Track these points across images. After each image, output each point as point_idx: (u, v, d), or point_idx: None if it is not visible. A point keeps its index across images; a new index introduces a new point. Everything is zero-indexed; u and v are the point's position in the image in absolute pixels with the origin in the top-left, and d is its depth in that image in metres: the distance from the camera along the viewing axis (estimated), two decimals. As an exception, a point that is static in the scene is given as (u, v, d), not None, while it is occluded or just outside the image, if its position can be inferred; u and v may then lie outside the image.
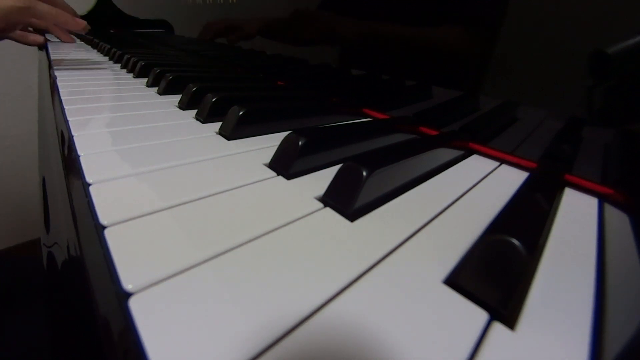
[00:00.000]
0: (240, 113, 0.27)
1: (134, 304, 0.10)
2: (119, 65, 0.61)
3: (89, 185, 0.17)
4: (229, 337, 0.10)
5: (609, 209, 0.21)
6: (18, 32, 0.48)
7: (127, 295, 0.11)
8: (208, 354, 0.09)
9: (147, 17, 1.03)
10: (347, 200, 0.17)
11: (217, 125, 0.29)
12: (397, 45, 0.34)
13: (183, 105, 0.35)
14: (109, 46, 0.73)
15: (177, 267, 0.12)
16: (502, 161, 0.27)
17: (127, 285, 0.11)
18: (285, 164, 0.21)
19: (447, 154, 0.25)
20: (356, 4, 0.38)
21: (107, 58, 0.70)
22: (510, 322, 0.11)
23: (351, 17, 0.39)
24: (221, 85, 0.40)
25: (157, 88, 0.42)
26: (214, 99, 0.31)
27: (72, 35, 0.57)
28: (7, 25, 0.42)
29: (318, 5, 0.42)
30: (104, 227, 0.14)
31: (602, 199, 0.22)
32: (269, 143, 0.26)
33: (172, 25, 0.87)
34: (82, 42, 0.98)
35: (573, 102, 0.23)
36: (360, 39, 0.37)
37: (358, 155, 0.22)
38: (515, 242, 0.12)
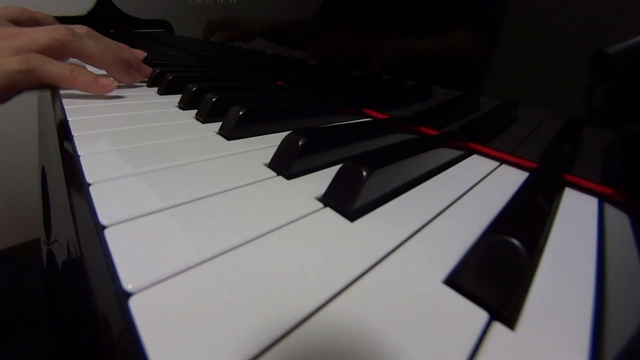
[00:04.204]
0: (240, 113, 0.27)
1: (134, 304, 0.10)
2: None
3: (89, 185, 0.17)
4: (229, 337, 0.10)
5: (609, 209, 0.21)
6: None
7: (127, 295, 0.11)
8: (209, 354, 0.09)
9: (147, 17, 1.03)
10: (347, 200, 0.17)
11: (217, 125, 0.29)
12: (399, 47, 0.34)
13: (183, 105, 0.35)
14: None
15: (177, 267, 0.12)
16: (502, 161, 0.27)
17: (127, 285, 0.11)
18: (285, 164, 0.21)
19: (447, 154, 0.25)
20: (356, 6, 0.38)
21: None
22: (510, 322, 0.11)
23: (352, 19, 0.39)
24: (221, 85, 0.40)
25: (157, 88, 0.42)
26: (214, 99, 0.31)
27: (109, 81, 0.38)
28: (8, 92, 0.33)
29: (318, 8, 0.42)
30: (104, 227, 0.14)
31: (602, 199, 0.22)
32: (269, 143, 0.26)
33: (172, 25, 0.87)
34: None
35: (573, 102, 0.23)
36: (367, 47, 0.37)
37: (358, 155, 0.22)
38: (515, 242, 0.12)
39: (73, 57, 0.38)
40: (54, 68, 0.33)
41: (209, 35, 0.68)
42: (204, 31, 0.70)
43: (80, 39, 0.38)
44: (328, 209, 0.17)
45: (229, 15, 0.60)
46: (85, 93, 0.38)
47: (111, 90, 0.37)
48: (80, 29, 0.39)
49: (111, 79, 0.37)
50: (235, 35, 0.61)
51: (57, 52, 0.35)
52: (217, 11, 0.64)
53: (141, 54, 0.47)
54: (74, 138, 0.24)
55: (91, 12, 1.18)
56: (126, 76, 0.42)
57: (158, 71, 0.45)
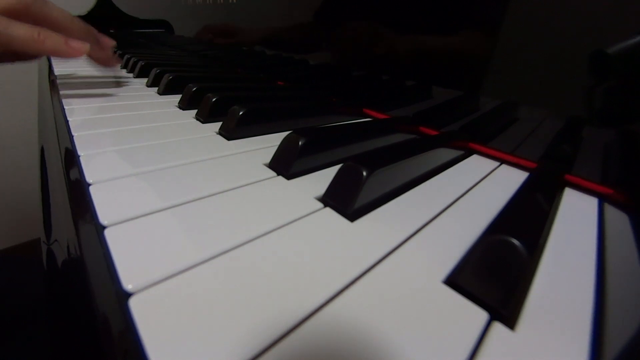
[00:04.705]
0: (240, 113, 0.27)
1: (134, 304, 0.10)
2: (119, 65, 0.61)
3: (89, 185, 0.17)
4: (229, 337, 0.10)
5: (609, 209, 0.21)
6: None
7: (127, 295, 0.11)
8: (209, 354, 0.09)
9: (147, 17, 1.03)
10: (347, 200, 0.17)
11: (217, 125, 0.29)
12: (399, 47, 0.34)
13: (183, 105, 0.35)
14: (109, 46, 0.73)
15: (177, 267, 0.12)
16: (502, 161, 0.27)
17: (127, 285, 0.11)
18: (286, 164, 0.21)
19: (447, 154, 0.25)
20: (356, 6, 0.38)
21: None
22: (510, 322, 0.11)
23: (351, 20, 0.39)
24: (221, 85, 0.40)
25: (157, 88, 0.42)
26: (214, 99, 0.31)
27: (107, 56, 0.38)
28: None
29: (318, 8, 0.42)
30: (104, 227, 0.14)
31: (602, 199, 0.22)
32: (269, 143, 0.26)
33: (172, 25, 0.87)
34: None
35: (573, 102, 0.23)
36: (368, 45, 0.37)
37: (358, 155, 0.22)
38: (516, 242, 0.12)
39: (36, 23, 0.33)
40: (19, 30, 0.30)
41: (204, 38, 0.68)
42: (198, 33, 0.70)
43: (43, 2, 0.34)
44: (328, 209, 0.17)
45: (227, 22, 0.60)
46: (85, 91, 0.38)
47: (83, 54, 0.34)
48: None
49: (83, 42, 0.34)
50: (232, 41, 0.60)
51: (18, 15, 0.32)
52: (217, 11, 0.63)
53: (110, 41, 0.43)
54: (74, 138, 0.24)
55: (91, 12, 1.18)
56: (98, 49, 0.38)
57: (158, 71, 0.45)
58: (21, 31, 0.30)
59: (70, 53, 0.33)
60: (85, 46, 0.34)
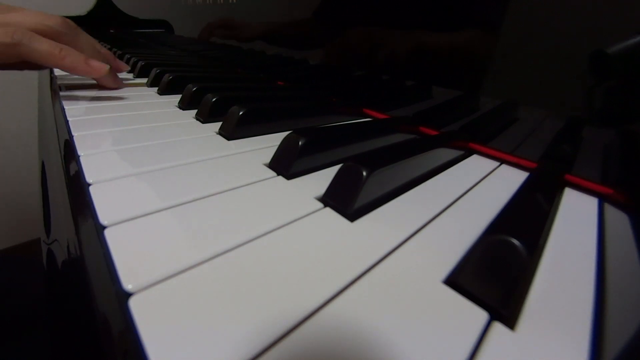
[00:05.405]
0: (240, 113, 0.27)
1: (134, 304, 0.10)
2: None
3: (89, 185, 0.17)
4: (230, 337, 0.10)
5: (609, 209, 0.21)
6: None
7: (127, 295, 0.11)
8: (209, 354, 0.09)
9: (147, 17, 1.03)
10: (347, 200, 0.17)
11: (217, 125, 0.29)
12: (399, 47, 0.34)
13: (183, 105, 0.35)
14: (109, 46, 0.73)
15: (177, 267, 0.12)
16: (502, 161, 0.27)
17: (127, 285, 0.11)
18: (285, 164, 0.21)
19: (447, 154, 0.25)
20: (355, 5, 0.38)
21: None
22: (510, 322, 0.11)
23: (350, 19, 0.39)
24: (221, 85, 0.40)
25: (157, 88, 0.42)
26: (213, 99, 0.31)
27: (113, 78, 0.40)
28: None
29: (316, 8, 0.42)
30: (104, 227, 0.14)
31: (602, 199, 0.22)
32: (269, 143, 0.26)
33: (172, 25, 0.87)
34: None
35: (573, 102, 0.23)
36: (369, 46, 0.37)
37: (358, 155, 0.22)
38: (515, 242, 0.12)
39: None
40: (41, 45, 0.32)
41: (207, 36, 0.68)
42: (201, 32, 0.70)
43: (75, 35, 0.36)
44: (328, 209, 0.17)
45: (227, 17, 0.60)
46: (84, 93, 0.38)
47: (102, 74, 0.35)
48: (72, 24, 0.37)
49: (103, 63, 0.36)
50: (232, 34, 0.61)
51: (48, 37, 0.33)
52: (217, 11, 0.64)
53: (124, 66, 0.46)
54: (74, 138, 0.24)
55: (91, 12, 1.18)
56: (112, 81, 0.40)
57: (158, 71, 0.45)
58: (44, 46, 0.32)
59: (89, 71, 0.35)
60: (105, 67, 0.36)
